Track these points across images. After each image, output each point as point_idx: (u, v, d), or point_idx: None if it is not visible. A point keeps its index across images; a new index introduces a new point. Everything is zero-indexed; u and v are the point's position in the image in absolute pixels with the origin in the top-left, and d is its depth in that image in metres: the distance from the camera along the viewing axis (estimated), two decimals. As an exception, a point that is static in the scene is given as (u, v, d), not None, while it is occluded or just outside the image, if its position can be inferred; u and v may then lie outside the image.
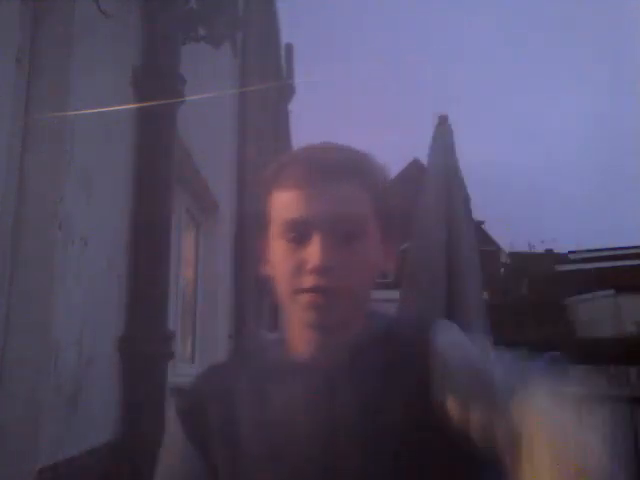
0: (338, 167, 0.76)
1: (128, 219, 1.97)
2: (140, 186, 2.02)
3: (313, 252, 0.74)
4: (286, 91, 7.76)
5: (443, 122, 3.23)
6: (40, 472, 1.34)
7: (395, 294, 3.14)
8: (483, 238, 22.16)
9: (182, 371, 2.88)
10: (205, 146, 3.15)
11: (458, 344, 0.77)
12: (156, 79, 2.04)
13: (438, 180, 3.06)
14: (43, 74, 1.50)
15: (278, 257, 0.77)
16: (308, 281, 0.74)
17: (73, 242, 1.53)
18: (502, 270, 19.67)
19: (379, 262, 0.79)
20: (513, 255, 21.51)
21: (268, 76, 6.50)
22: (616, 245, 18.68)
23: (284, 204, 0.77)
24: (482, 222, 24.71)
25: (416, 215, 3.11)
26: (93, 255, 1.65)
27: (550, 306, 15.15)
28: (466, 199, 3.13)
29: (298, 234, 0.75)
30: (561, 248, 20.98)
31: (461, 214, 3.02)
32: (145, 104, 1.98)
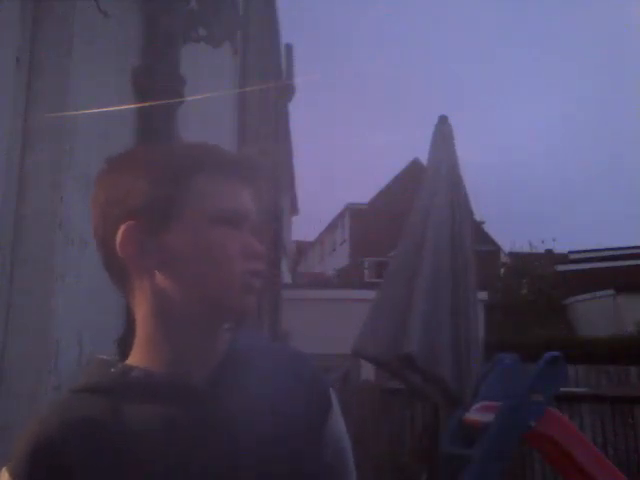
0: (257, 165, 0.84)
1: (128, 219, 1.97)
2: (140, 186, 2.01)
3: (251, 238, 0.78)
4: (286, 91, 7.75)
5: (443, 122, 3.24)
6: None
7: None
8: (483, 238, 22.15)
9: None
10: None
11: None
12: (156, 79, 2.04)
13: (438, 180, 3.06)
14: (43, 74, 1.50)
15: (211, 240, 0.75)
16: (255, 265, 0.77)
17: (73, 242, 1.53)
18: (502, 270, 19.65)
19: None
20: (513, 255, 21.50)
21: (268, 76, 6.50)
22: (616, 245, 18.71)
23: (219, 190, 0.77)
24: (482, 222, 24.71)
25: (413, 214, 3.11)
26: (93, 255, 1.65)
27: (550, 306, 15.14)
28: (466, 199, 3.13)
29: (236, 219, 0.77)
30: (561, 248, 21.00)
31: (463, 214, 3.02)
32: (145, 104, 1.98)
